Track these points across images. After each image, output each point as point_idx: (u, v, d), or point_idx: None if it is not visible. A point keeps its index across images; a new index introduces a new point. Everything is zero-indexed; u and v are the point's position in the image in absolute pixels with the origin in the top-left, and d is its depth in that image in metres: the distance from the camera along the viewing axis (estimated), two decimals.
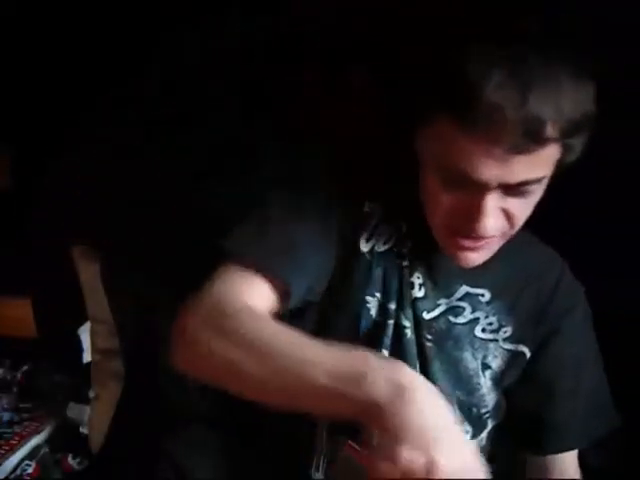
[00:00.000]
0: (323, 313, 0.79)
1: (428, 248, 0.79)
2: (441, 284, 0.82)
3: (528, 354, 0.83)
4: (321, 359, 0.58)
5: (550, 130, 0.62)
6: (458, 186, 0.67)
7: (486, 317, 0.82)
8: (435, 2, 0.70)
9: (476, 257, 0.73)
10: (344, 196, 0.80)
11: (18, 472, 1.20)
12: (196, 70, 1.20)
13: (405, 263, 0.81)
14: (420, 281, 0.81)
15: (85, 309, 1.20)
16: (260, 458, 0.82)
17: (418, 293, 0.81)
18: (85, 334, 1.28)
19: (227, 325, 0.64)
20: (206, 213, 1.12)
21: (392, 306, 0.79)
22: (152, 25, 1.19)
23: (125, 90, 1.22)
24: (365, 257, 0.80)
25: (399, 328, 0.79)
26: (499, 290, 0.83)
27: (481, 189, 0.66)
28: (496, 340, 0.82)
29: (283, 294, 0.71)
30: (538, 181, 0.67)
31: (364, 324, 0.79)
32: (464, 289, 0.82)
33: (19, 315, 1.45)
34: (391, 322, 0.79)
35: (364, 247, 0.80)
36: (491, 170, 0.64)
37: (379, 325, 0.79)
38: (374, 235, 0.81)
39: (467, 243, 0.71)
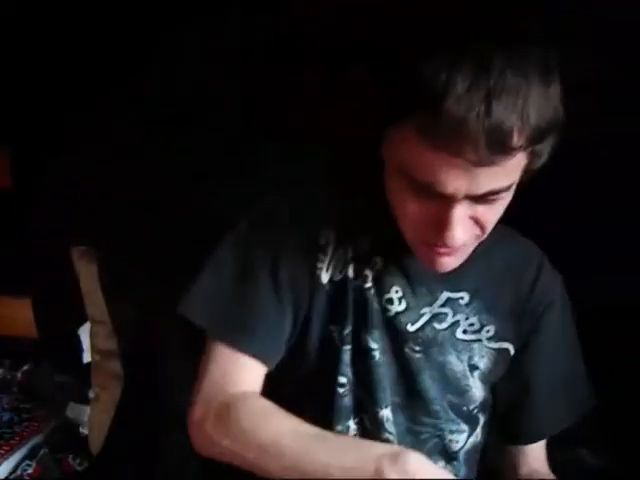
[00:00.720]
0: (293, 350, 0.80)
1: (404, 259, 0.78)
2: (422, 293, 0.81)
3: (512, 351, 0.84)
4: (334, 456, 0.65)
5: (516, 139, 0.60)
6: (425, 194, 0.65)
7: (466, 318, 0.82)
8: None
9: (450, 262, 0.72)
10: (300, 230, 0.80)
11: (18, 472, 1.20)
12: (196, 70, 1.20)
13: (368, 285, 0.79)
14: (399, 295, 0.80)
15: (85, 309, 1.20)
16: None
17: (399, 307, 0.80)
18: (85, 334, 1.28)
19: (235, 425, 0.71)
20: (206, 213, 1.12)
21: (346, 331, 0.78)
22: (152, 25, 1.19)
23: (125, 90, 1.22)
24: (325, 288, 0.79)
25: (364, 352, 0.79)
26: (478, 290, 0.82)
27: (448, 199, 0.64)
28: (479, 340, 0.82)
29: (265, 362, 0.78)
30: (506, 189, 0.65)
31: (322, 353, 0.79)
32: (445, 295, 0.81)
33: (19, 315, 1.45)
34: (347, 348, 0.78)
35: (324, 278, 0.80)
36: (456, 182, 0.62)
37: (337, 353, 0.79)
38: (331, 265, 0.80)
39: (439, 250, 0.70)
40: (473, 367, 0.82)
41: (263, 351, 0.77)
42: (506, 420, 0.87)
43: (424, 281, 0.80)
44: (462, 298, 0.81)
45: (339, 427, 0.79)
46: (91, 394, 1.22)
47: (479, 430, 0.85)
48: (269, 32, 1.14)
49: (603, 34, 0.95)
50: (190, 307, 0.80)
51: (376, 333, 0.79)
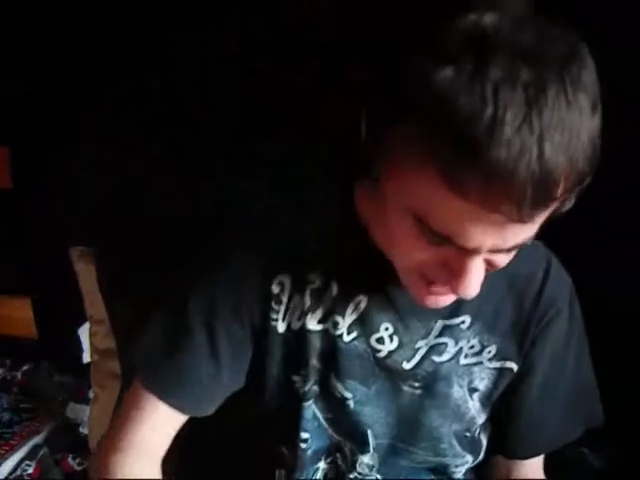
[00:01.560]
0: (252, 395, 0.77)
1: (390, 290, 0.71)
2: (415, 326, 0.72)
3: (515, 368, 0.76)
4: None
5: (561, 189, 0.50)
6: (437, 240, 0.55)
7: (467, 342, 0.74)
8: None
9: (446, 300, 0.64)
10: (250, 280, 0.72)
11: (18, 472, 1.20)
12: (196, 70, 1.20)
13: (339, 332, 0.72)
14: (390, 332, 0.72)
15: (85, 309, 1.20)
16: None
17: (391, 346, 0.72)
18: (85, 334, 1.28)
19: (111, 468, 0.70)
20: (206, 213, 1.12)
21: (307, 386, 0.73)
22: (152, 25, 1.19)
23: (125, 90, 1.22)
24: (282, 338, 0.73)
25: (338, 401, 0.74)
26: (479, 310, 0.73)
27: (466, 250, 0.55)
28: (480, 362, 0.75)
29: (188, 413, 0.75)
30: (531, 238, 0.56)
31: (284, 405, 0.75)
32: (440, 324, 0.73)
33: (19, 315, 1.45)
34: (308, 404, 0.73)
35: (280, 327, 0.73)
36: (482, 237, 0.53)
37: (299, 409, 0.74)
38: (287, 314, 0.72)
39: (440, 290, 0.61)
40: (472, 390, 0.75)
41: (186, 402, 0.73)
42: (500, 434, 0.80)
43: (415, 312, 0.71)
44: (463, 322, 0.73)
45: (305, 472, 0.76)
46: (91, 394, 1.22)
47: (482, 454, 0.80)
48: (269, 32, 1.14)
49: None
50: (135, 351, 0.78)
51: (351, 382, 0.73)
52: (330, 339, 0.72)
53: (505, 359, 0.75)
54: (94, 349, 1.18)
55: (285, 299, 0.72)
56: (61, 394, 1.44)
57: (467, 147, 0.47)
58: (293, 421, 0.74)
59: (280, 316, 0.72)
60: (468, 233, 0.53)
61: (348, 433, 0.76)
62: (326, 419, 0.75)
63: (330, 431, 0.76)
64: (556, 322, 0.76)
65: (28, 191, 1.35)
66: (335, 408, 0.75)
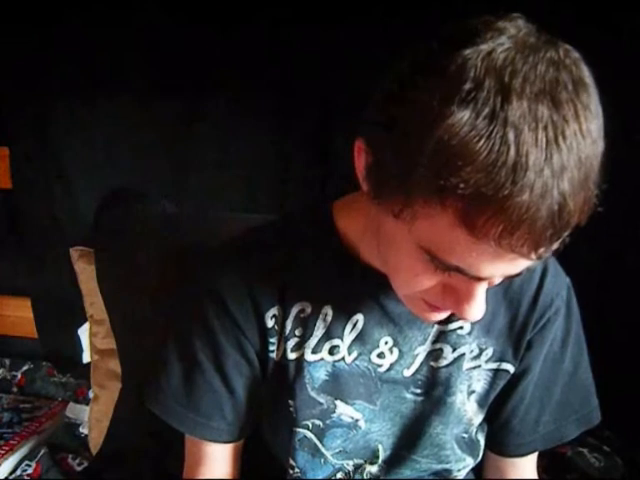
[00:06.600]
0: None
1: (386, 304, 0.71)
2: (413, 335, 0.73)
3: (512, 370, 0.75)
4: None
5: (576, 221, 0.50)
6: (447, 270, 0.55)
7: (469, 347, 0.74)
8: None
9: (443, 316, 0.63)
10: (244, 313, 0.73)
11: (18, 472, 1.20)
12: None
13: (339, 355, 0.72)
14: (389, 345, 0.72)
15: (85, 309, 1.20)
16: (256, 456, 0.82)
17: (392, 358, 0.73)
18: (85, 334, 1.28)
19: None
20: (205, 215, 1.12)
21: (314, 422, 0.74)
22: (154, 30, 1.19)
23: (124, 90, 1.23)
24: (278, 364, 0.74)
25: (348, 425, 0.74)
26: None
27: (477, 279, 0.55)
28: (479, 366, 0.75)
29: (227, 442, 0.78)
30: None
31: (278, 430, 0.77)
32: (436, 330, 0.73)
33: (19, 315, 1.45)
34: (300, 430, 0.74)
35: (276, 356, 0.74)
36: (493, 269, 0.52)
37: (291, 436, 0.74)
38: (282, 343, 0.73)
39: (439, 309, 0.61)
40: (470, 392, 0.75)
41: (218, 434, 0.76)
42: (495, 431, 0.80)
43: (413, 320, 0.71)
44: (461, 328, 0.73)
45: None
46: (91, 394, 1.22)
47: (481, 454, 0.80)
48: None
49: None
50: (151, 398, 0.78)
51: (358, 402, 0.74)
52: (331, 366, 0.73)
53: (501, 360, 0.75)
54: (94, 349, 1.18)
55: (279, 330, 0.73)
56: (61, 394, 1.44)
57: (488, 193, 0.46)
58: (286, 447, 0.75)
59: (275, 347, 0.73)
60: (482, 266, 0.52)
61: (359, 453, 0.76)
62: (335, 454, 0.76)
63: (335, 461, 0.76)
64: (554, 322, 0.75)
65: (29, 191, 1.35)
66: (346, 435, 0.75)
